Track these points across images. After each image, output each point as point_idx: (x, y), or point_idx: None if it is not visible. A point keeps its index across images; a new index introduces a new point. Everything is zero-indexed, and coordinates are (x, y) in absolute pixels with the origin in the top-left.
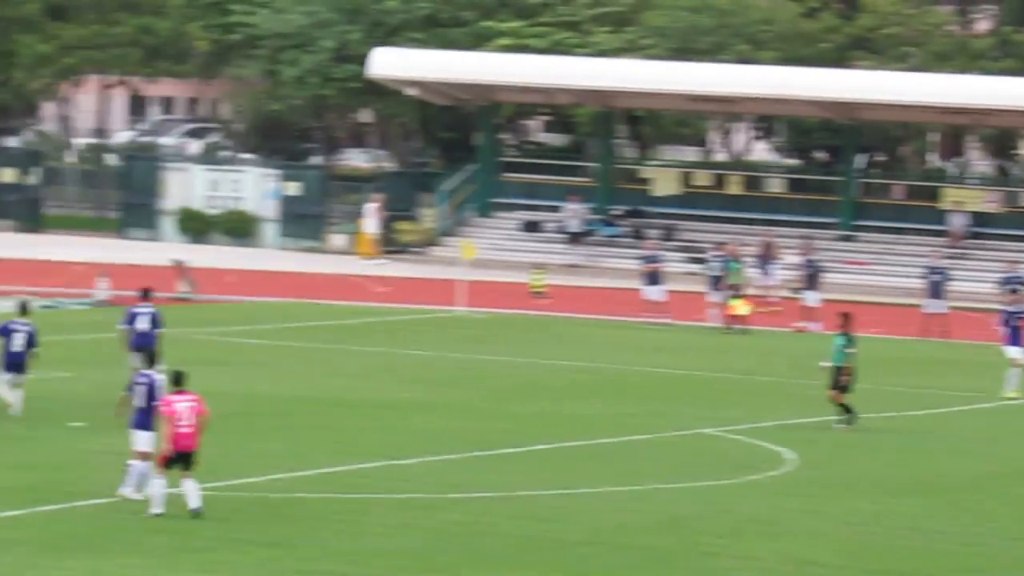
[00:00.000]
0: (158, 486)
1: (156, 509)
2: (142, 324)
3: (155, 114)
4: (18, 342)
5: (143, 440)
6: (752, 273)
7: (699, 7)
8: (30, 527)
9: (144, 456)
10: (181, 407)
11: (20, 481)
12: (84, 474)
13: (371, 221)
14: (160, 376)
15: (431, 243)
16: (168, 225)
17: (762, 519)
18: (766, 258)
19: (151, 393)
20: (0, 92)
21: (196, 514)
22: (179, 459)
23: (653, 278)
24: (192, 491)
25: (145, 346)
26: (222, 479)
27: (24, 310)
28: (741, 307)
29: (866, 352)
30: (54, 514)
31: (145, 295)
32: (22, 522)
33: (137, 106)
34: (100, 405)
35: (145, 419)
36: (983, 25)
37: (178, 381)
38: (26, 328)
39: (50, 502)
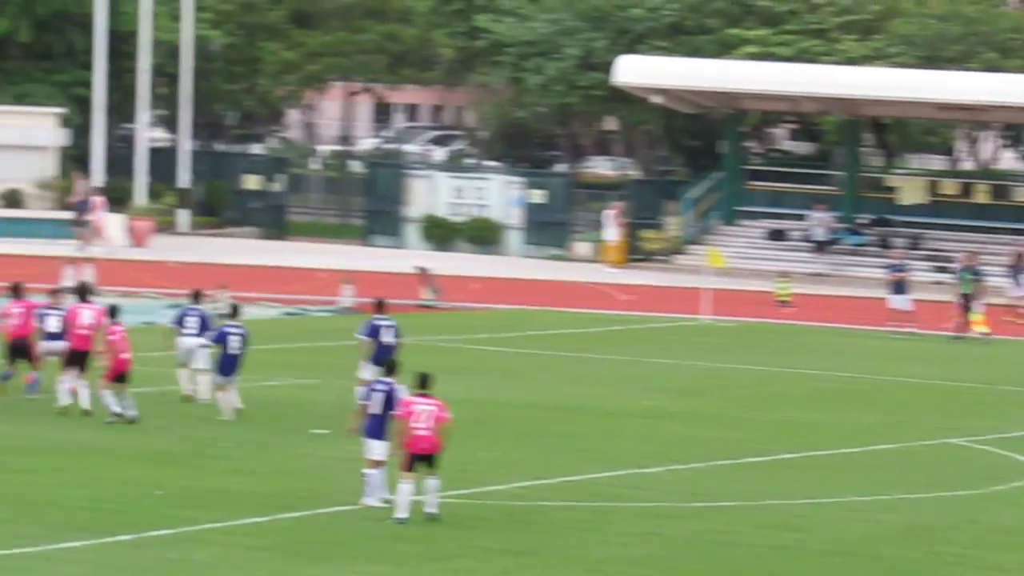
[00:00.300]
0: (404, 491)
1: (400, 514)
2: (387, 337)
3: (399, 121)
4: (234, 345)
5: (377, 449)
6: (1004, 283)
7: (947, 15)
8: (274, 534)
9: (378, 464)
10: (420, 409)
11: (264, 488)
12: (327, 481)
13: (610, 228)
14: (400, 384)
15: (676, 251)
16: (412, 232)
17: (1008, 529)
18: (1017, 268)
19: (389, 401)
20: (245, 99)
21: (430, 518)
22: (419, 461)
23: (899, 287)
24: (431, 495)
25: (388, 358)
26: (466, 487)
27: (235, 313)
28: (980, 323)
29: None
30: (298, 521)
31: (381, 306)
32: (266, 529)
33: (382, 113)
34: (344, 412)
35: (380, 428)
36: None
37: (423, 384)
38: (240, 331)
39: (294, 509)
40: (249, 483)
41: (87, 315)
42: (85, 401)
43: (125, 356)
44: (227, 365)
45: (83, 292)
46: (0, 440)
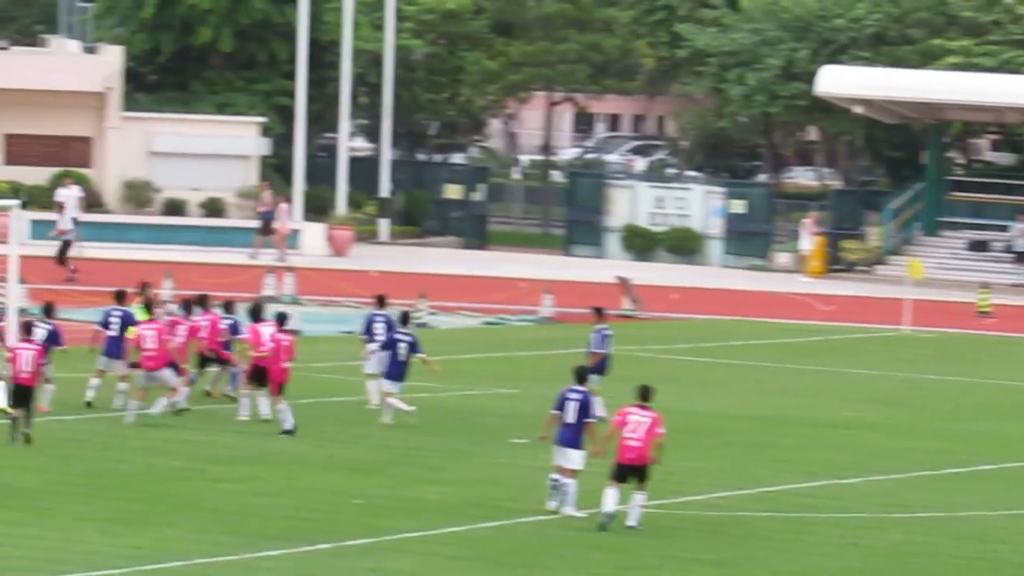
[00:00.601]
0: (609, 496)
1: (602, 518)
2: (609, 347)
3: (601, 131)
4: (402, 352)
5: (573, 458)
6: None
7: None
8: (472, 543)
9: (573, 474)
10: (635, 419)
11: (463, 497)
12: (527, 490)
13: (804, 239)
14: (595, 394)
15: (877, 262)
16: (613, 242)
17: None
18: None
19: (584, 409)
20: (447, 109)
21: (630, 530)
22: (627, 472)
23: None
24: (635, 507)
25: (603, 367)
26: (664, 497)
27: (405, 320)
28: None
29: None
30: (496, 530)
31: (601, 314)
32: (465, 538)
33: (583, 123)
34: (543, 422)
35: (575, 437)
36: None
37: (645, 396)
38: (408, 338)
39: (493, 518)
40: (448, 492)
41: (268, 332)
42: (264, 409)
43: (285, 365)
44: (394, 371)
45: (257, 311)
46: (199, 450)
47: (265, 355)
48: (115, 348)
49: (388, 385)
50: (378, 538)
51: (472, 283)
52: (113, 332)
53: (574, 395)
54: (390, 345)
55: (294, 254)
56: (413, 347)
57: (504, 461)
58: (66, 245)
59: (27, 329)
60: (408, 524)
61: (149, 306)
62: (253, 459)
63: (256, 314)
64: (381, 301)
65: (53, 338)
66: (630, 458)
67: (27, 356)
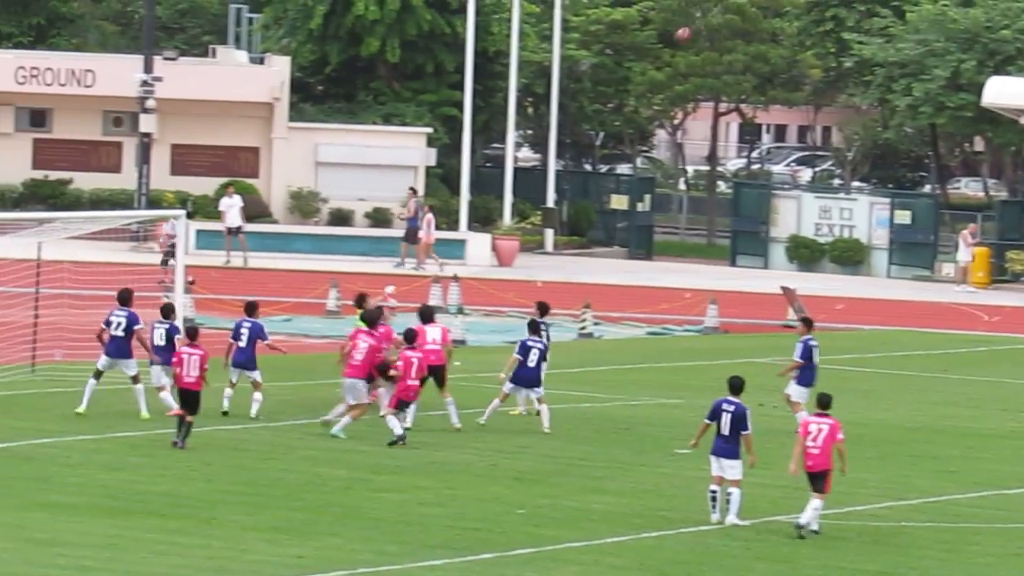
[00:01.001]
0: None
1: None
2: (815, 358)
3: (766, 141)
4: (533, 358)
5: (732, 469)
6: None
7: None
8: (635, 553)
9: (736, 483)
10: (815, 428)
11: (626, 507)
12: (690, 500)
13: (963, 249)
14: (799, 408)
15: None
16: (778, 253)
17: None
18: None
19: (738, 421)
20: (613, 119)
21: (799, 529)
22: (811, 479)
23: None
24: (810, 510)
25: (810, 378)
26: (828, 507)
27: (535, 329)
28: None
29: None
30: (659, 540)
31: (811, 324)
32: (628, 548)
33: (748, 133)
34: (709, 432)
35: (731, 447)
36: None
37: (824, 404)
38: (540, 345)
39: (656, 528)
40: (612, 502)
41: (435, 332)
42: (455, 419)
43: (413, 383)
44: (524, 378)
45: (428, 315)
46: (364, 459)
47: (436, 350)
48: (243, 358)
49: (524, 393)
50: (541, 548)
51: (637, 293)
52: (243, 343)
53: (729, 407)
54: (522, 351)
55: (459, 264)
56: (542, 354)
57: (668, 471)
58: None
59: (192, 334)
60: (571, 534)
61: (368, 316)
62: (416, 469)
63: (426, 317)
64: (543, 309)
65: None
66: (809, 465)
67: (192, 361)
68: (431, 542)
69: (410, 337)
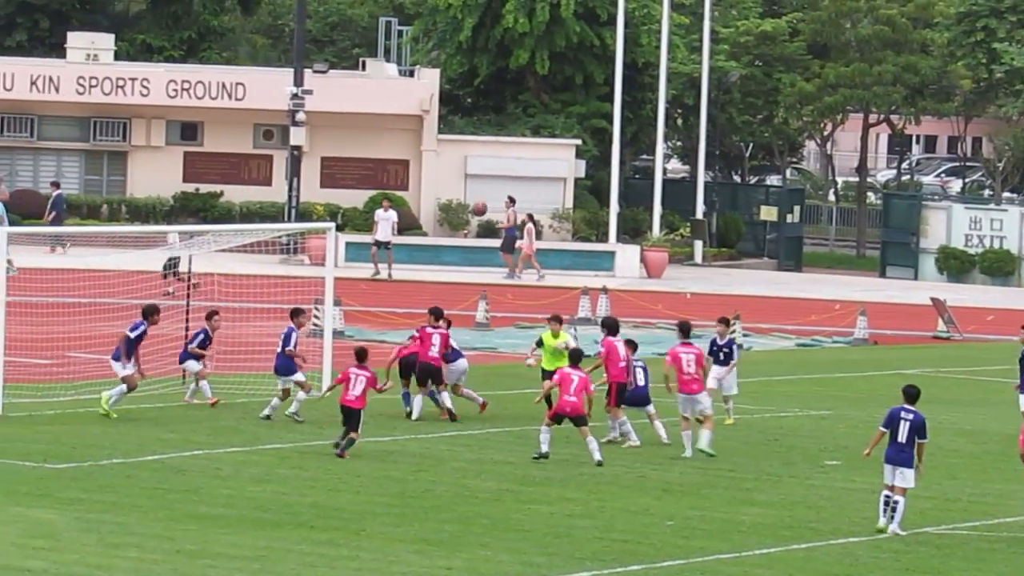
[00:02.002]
0: None
1: None
2: None
3: (916, 152)
4: (640, 376)
5: (907, 477)
6: None
7: None
8: (785, 565)
9: (904, 492)
10: None
11: (775, 518)
12: (840, 512)
13: None
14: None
15: None
16: (928, 264)
17: None
18: None
19: (916, 430)
20: (762, 130)
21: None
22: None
23: None
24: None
25: None
26: (975, 518)
27: (687, 332)
28: None
29: None
30: (809, 552)
31: None
32: (777, 559)
33: (898, 144)
34: (858, 443)
35: (907, 456)
36: None
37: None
38: (640, 364)
39: (806, 539)
40: (760, 514)
41: (621, 348)
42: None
43: (570, 399)
44: (633, 397)
45: (613, 326)
46: (513, 471)
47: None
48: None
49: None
50: (690, 559)
51: (786, 304)
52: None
53: (907, 415)
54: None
55: (608, 276)
56: (646, 372)
57: (816, 483)
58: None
59: (361, 356)
60: (720, 545)
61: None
62: (565, 481)
63: (612, 328)
64: (727, 321)
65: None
66: None
67: (359, 381)
68: (580, 554)
69: (576, 357)
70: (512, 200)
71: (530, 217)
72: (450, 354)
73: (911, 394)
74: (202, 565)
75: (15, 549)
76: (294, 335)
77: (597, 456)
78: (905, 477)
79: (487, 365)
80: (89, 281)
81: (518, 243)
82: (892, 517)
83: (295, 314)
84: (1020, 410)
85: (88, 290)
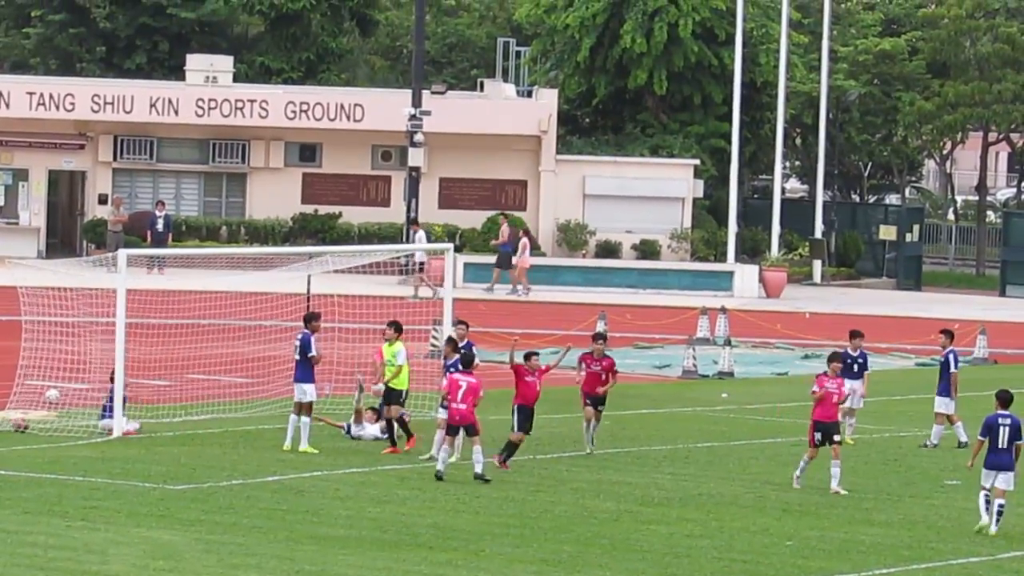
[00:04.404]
0: None
1: None
2: None
3: None
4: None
5: (1008, 480)
6: None
7: None
8: None
9: (1003, 494)
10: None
11: (895, 539)
12: (958, 532)
13: None
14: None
15: None
16: None
17: None
18: None
19: (1016, 433)
20: (881, 149)
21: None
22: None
23: None
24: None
25: None
26: None
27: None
28: None
29: None
30: (928, 572)
31: None
32: None
33: (1019, 163)
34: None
35: (1009, 459)
36: None
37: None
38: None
39: (925, 560)
40: (880, 533)
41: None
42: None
43: (458, 407)
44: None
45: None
46: (632, 491)
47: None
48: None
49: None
50: None
51: (905, 324)
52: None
53: (1005, 419)
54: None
55: (727, 296)
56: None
57: (936, 502)
58: None
59: (467, 363)
60: (840, 566)
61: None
62: (684, 501)
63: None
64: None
65: None
66: None
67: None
68: (699, 574)
69: (467, 361)
70: (506, 216)
71: (526, 232)
72: None
73: (1005, 399)
74: None
75: (136, 570)
76: (312, 340)
77: (478, 469)
78: (1008, 480)
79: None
80: (207, 303)
81: (514, 259)
82: (997, 520)
83: (309, 319)
84: (936, 411)
85: (205, 311)
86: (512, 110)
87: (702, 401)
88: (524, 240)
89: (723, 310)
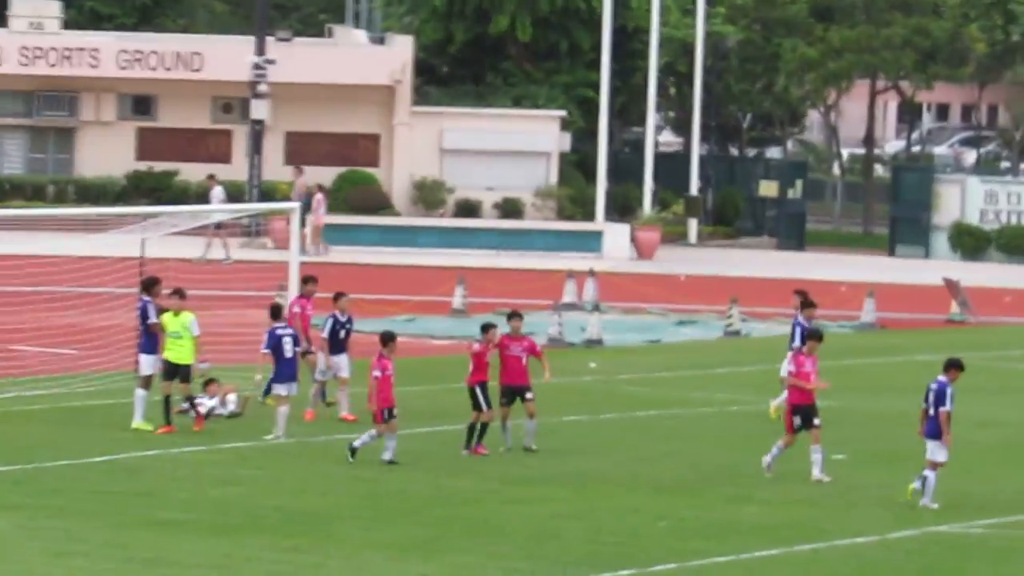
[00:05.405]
0: None
1: None
2: None
3: (928, 122)
4: None
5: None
6: None
7: None
8: (786, 567)
9: (935, 466)
10: None
11: (776, 518)
12: (845, 510)
13: None
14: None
15: None
16: (940, 242)
17: None
18: None
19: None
20: (762, 99)
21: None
22: None
23: None
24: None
25: None
26: (995, 515)
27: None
28: None
29: None
30: (814, 553)
31: None
32: (779, 562)
33: (908, 113)
34: (865, 436)
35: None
36: None
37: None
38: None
39: (809, 540)
40: (761, 513)
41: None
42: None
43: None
44: None
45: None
46: (493, 469)
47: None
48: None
49: None
50: (685, 563)
51: (787, 287)
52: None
53: (933, 384)
54: None
55: (595, 258)
56: None
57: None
58: None
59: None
60: (717, 547)
61: None
62: (550, 479)
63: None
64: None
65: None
66: None
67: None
68: (567, 558)
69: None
70: (300, 170)
71: (320, 187)
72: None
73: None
74: (157, 575)
75: None
76: (151, 308)
77: (356, 444)
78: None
79: (465, 355)
80: (33, 269)
81: (307, 217)
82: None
83: (149, 285)
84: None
85: (31, 278)
86: (364, 58)
87: (569, 371)
88: (319, 196)
89: (592, 273)
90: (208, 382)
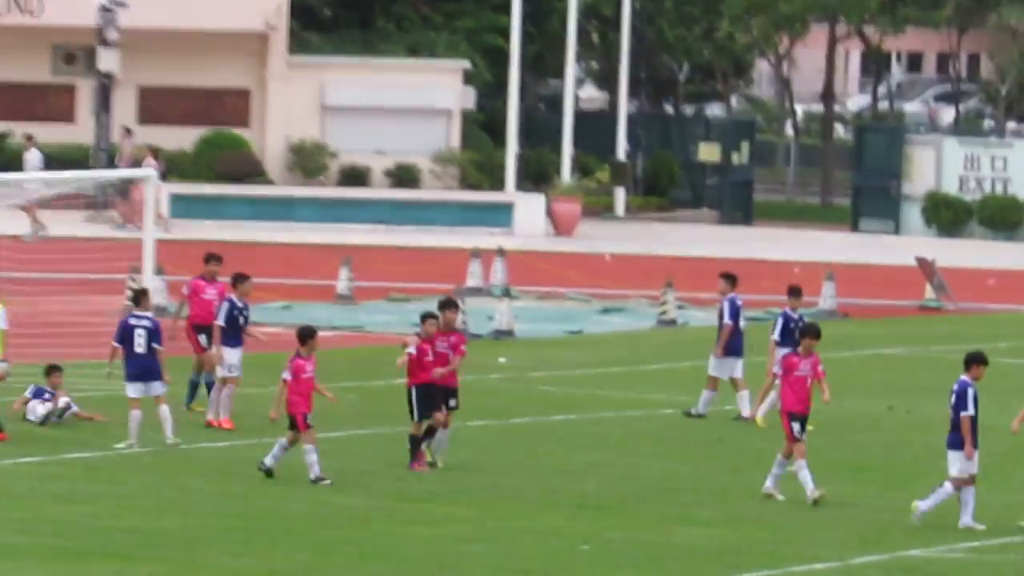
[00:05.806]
0: None
1: None
2: None
3: (897, 74)
4: None
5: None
6: None
7: None
8: None
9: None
10: None
11: (720, 541)
12: (799, 531)
13: None
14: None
15: None
16: (912, 214)
17: None
18: None
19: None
20: (701, 48)
21: None
22: None
23: None
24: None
25: None
26: (981, 538)
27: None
28: None
29: None
30: None
31: None
32: None
33: (874, 64)
34: (822, 444)
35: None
36: None
37: None
38: None
39: (757, 567)
40: (700, 535)
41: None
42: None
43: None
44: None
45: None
46: (385, 484)
47: None
48: None
49: None
50: None
51: (732, 268)
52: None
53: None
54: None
55: (505, 234)
56: None
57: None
58: None
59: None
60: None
61: None
62: (453, 496)
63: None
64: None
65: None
66: None
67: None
68: None
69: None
70: (128, 131)
71: (154, 153)
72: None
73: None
74: None
75: None
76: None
77: (267, 461)
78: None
79: (351, 349)
80: None
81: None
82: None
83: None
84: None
85: None
86: (230, 0)
87: (474, 367)
88: (151, 162)
89: (501, 252)
90: (51, 369)
